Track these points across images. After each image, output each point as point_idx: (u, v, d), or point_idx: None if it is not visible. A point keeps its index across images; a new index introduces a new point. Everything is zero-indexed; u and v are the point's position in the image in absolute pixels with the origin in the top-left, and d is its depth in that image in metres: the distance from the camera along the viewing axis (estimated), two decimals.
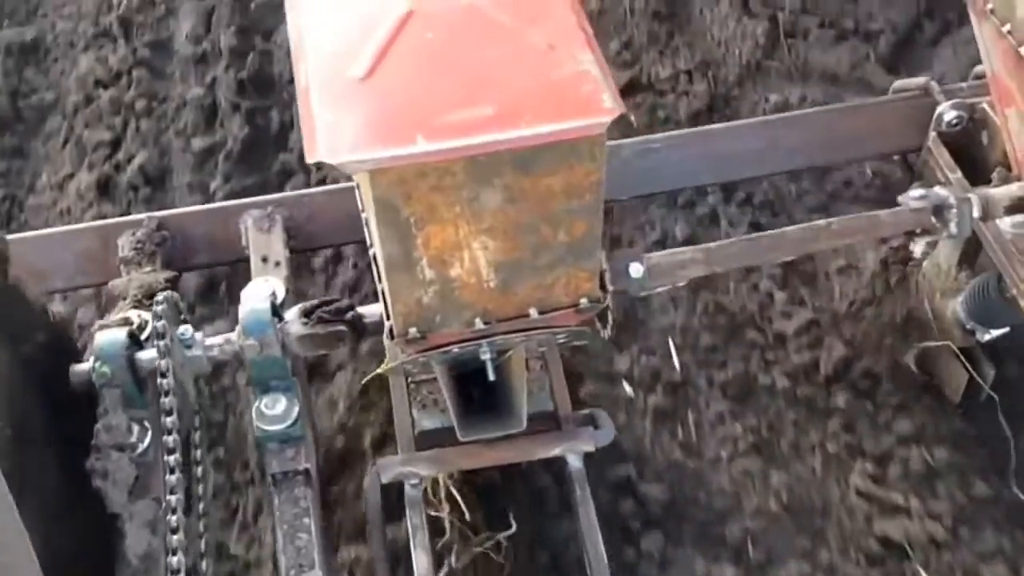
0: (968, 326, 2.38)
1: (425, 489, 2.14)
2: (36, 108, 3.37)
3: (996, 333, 2.38)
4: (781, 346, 2.62)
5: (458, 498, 2.15)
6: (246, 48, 3.35)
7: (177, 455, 1.72)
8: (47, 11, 3.66)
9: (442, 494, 2.14)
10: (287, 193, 2.40)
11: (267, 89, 3.29)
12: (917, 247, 2.50)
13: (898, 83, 2.55)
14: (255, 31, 3.42)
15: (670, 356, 2.60)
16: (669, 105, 3.14)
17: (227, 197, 2.94)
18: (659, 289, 2.03)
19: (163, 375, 1.81)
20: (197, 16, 3.51)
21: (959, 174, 2.27)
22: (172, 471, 1.71)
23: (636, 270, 1.90)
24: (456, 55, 1.41)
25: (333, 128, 1.32)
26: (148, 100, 3.27)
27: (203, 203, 2.91)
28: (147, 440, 1.85)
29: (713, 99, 3.16)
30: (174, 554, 1.65)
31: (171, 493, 1.71)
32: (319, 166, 2.71)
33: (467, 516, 2.16)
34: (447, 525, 2.14)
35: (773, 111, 3.07)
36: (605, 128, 1.31)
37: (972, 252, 2.37)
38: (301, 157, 2.73)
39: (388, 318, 1.65)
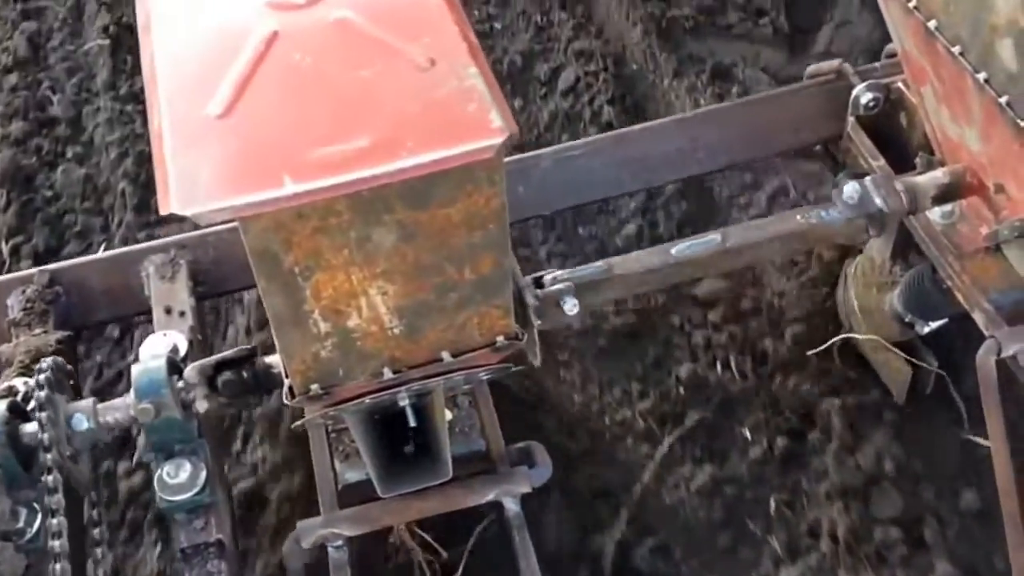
0: (907, 319, 2.22)
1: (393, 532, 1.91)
2: None
3: (935, 325, 2.22)
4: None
5: (427, 538, 1.92)
6: None
7: (63, 540, 1.47)
8: None
9: (407, 535, 1.91)
10: (190, 233, 2.13)
11: None
12: None
13: (811, 68, 2.38)
14: None
15: None
16: None
17: None
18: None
19: (46, 450, 1.56)
20: None
21: (882, 161, 2.11)
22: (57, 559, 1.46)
23: (571, 305, 1.68)
24: (328, 79, 1.19)
25: (187, 174, 1.09)
26: None
27: None
28: (36, 524, 1.60)
29: None
30: None
31: None
32: None
33: (443, 555, 1.94)
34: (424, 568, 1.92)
35: None
36: (496, 151, 1.09)
37: (905, 244, 2.21)
38: None
39: (286, 376, 1.42)
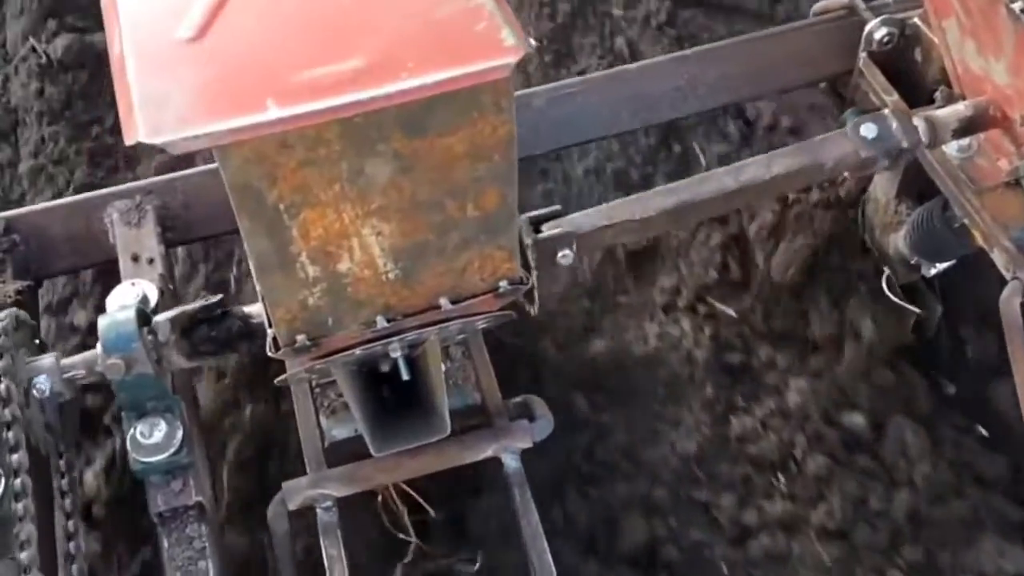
0: (912, 261, 2.15)
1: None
2: None
3: (942, 267, 2.15)
4: None
5: (416, 496, 1.82)
6: None
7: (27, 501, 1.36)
8: None
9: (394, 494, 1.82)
10: (157, 178, 2.00)
11: None
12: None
13: (819, 4, 2.28)
14: None
15: None
16: None
17: None
18: None
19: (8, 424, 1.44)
20: None
21: (896, 96, 2.01)
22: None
23: (566, 258, 1.58)
24: None
25: (156, 99, 0.96)
26: None
27: None
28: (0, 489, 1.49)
29: None
30: None
31: (23, 549, 1.36)
32: None
33: (432, 514, 1.84)
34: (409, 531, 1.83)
35: None
36: (509, 71, 0.98)
37: (911, 181, 2.13)
38: None
39: (270, 326, 1.31)
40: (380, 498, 1.82)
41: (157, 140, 0.93)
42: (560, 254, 1.58)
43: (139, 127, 0.94)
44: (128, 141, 0.95)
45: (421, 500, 1.83)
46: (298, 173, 1.08)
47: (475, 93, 1.03)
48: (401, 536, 1.82)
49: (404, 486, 1.80)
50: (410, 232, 1.20)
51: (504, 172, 1.17)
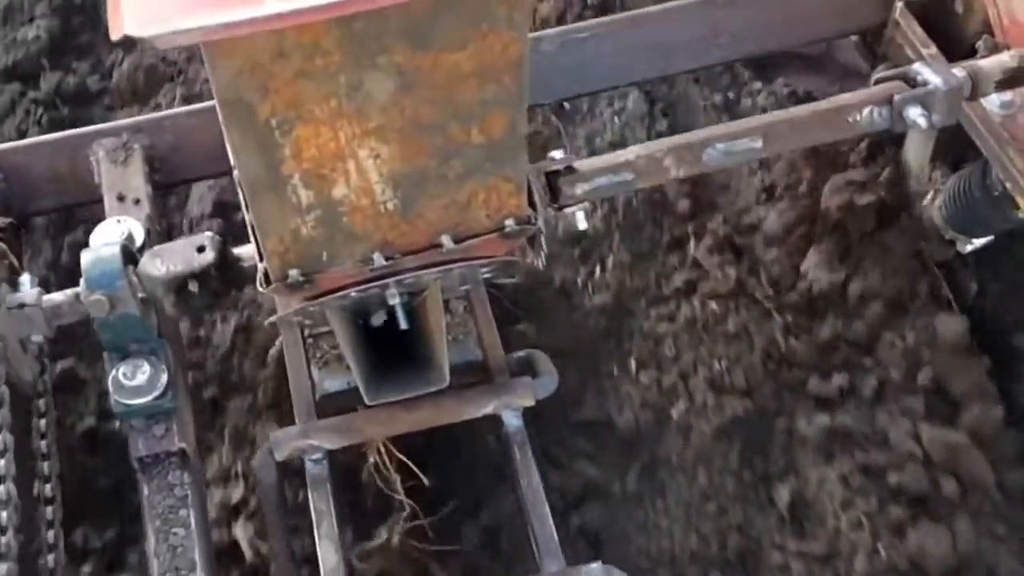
0: (947, 236, 2.10)
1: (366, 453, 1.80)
2: None
3: (980, 243, 2.08)
4: None
5: (409, 464, 1.80)
6: None
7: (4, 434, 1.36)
8: None
9: (385, 458, 1.80)
10: (146, 116, 1.99)
11: None
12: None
13: None
14: None
15: None
16: None
17: None
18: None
19: None
20: None
21: (934, 49, 1.97)
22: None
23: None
24: None
25: None
26: None
27: None
28: None
29: None
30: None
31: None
32: None
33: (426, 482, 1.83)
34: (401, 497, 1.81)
35: None
36: None
37: (946, 145, 2.09)
38: None
39: (261, 259, 1.29)
40: (372, 462, 1.80)
41: (144, 33, 0.91)
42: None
43: (125, 19, 0.92)
44: (114, 36, 0.93)
45: (413, 466, 1.81)
46: (292, 85, 1.06)
47: (486, 1, 1.01)
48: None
49: (397, 453, 1.78)
50: (410, 156, 1.17)
51: (513, 96, 1.15)
